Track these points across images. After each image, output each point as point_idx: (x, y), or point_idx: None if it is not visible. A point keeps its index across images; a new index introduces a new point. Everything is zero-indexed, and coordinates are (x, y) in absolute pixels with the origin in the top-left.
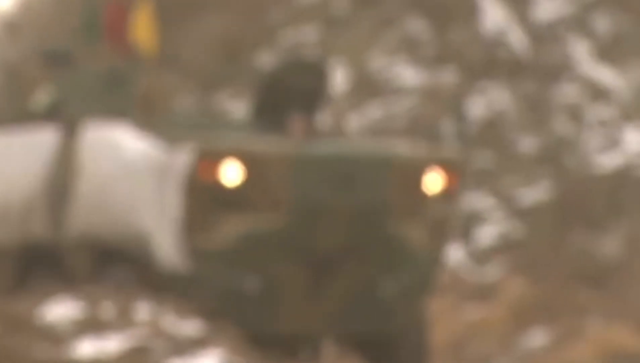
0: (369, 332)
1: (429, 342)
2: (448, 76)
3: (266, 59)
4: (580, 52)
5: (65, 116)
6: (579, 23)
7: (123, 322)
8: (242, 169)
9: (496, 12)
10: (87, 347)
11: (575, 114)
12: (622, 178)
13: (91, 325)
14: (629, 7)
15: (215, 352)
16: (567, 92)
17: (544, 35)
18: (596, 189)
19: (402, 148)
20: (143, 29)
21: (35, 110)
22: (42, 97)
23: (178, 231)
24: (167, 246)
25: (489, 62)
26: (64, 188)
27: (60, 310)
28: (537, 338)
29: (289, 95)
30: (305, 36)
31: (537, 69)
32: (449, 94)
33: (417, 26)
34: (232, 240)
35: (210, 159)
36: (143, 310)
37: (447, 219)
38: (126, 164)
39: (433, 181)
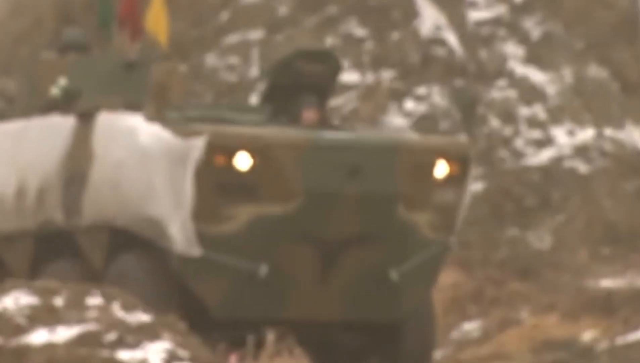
0: (378, 318)
1: (436, 326)
2: (386, 76)
3: (211, 60)
4: (513, 53)
5: (81, 103)
6: (511, 26)
7: (74, 312)
8: (252, 157)
9: (433, 15)
10: (39, 336)
11: (507, 112)
12: (551, 174)
13: (44, 315)
14: (558, 11)
15: (162, 341)
16: (500, 91)
17: (478, 38)
18: (527, 184)
19: (411, 136)
20: (155, 18)
21: (51, 97)
22: (58, 84)
23: (190, 217)
24: (179, 230)
25: (425, 62)
26: (79, 174)
27: (13, 301)
28: (470, 328)
29: (300, 83)
30: (250, 37)
31: (471, 70)
32: (387, 92)
33: (357, 28)
34: (243, 226)
35: (222, 147)
36: (93, 302)
37: (455, 206)
38: (140, 150)
39: (441, 169)
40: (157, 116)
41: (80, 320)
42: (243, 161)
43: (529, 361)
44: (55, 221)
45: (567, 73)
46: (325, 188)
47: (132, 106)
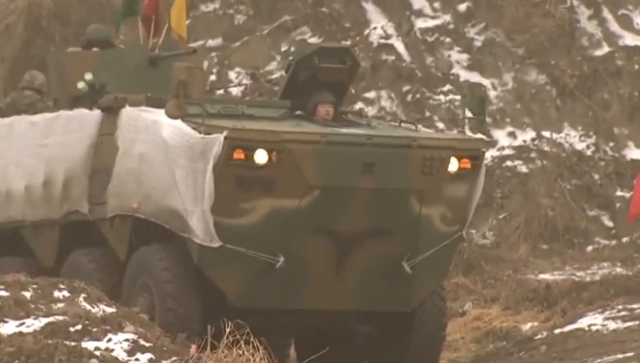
0: (390, 308)
1: (446, 321)
2: None
3: None
4: (457, 60)
5: (106, 98)
6: (455, 34)
7: (42, 305)
8: (269, 153)
9: (382, 23)
10: (8, 327)
11: (452, 115)
12: (493, 174)
13: (13, 308)
14: (500, 20)
15: (125, 332)
16: (445, 95)
17: (424, 45)
18: None
19: (424, 133)
20: (178, 16)
21: (78, 91)
22: (84, 79)
23: (209, 210)
24: (199, 222)
25: (375, 68)
26: (104, 167)
27: None
28: None
29: (318, 80)
30: (208, 44)
31: (418, 75)
32: None
33: (310, 36)
34: (260, 219)
35: (240, 143)
36: (60, 295)
37: (467, 200)
38: (162, 145)
39: (454, 165)
40: (178, 112)
41: (48, 312)
42: (260, 156)
43: (472, 350)
44: (81, 212)
45: (508, 78)
46: (339, 183)
47: (155, 100)
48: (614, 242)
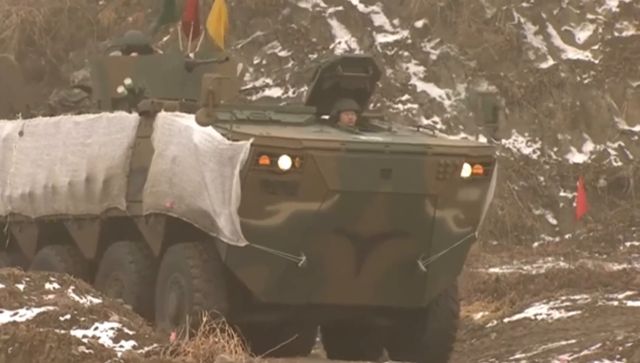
0: (406, 303)
1: (458, 315)
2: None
3: None
4: (414, 72)
5: (143, 103)
6: (413, 48)
7: (34, 296)
8: (293, 159)
9: (345, 38)
10: (3, 316)
11: (410, 123)
12: None
13: (7, 299)
14: (453, 35)
15: (111, 321)
16: (404, 105)
17: (384, 58)
18: None
19: (439, 139)
20: (216, 23)
21: (119, 95)
22: (124, 84)
23: (236, 211)
24: (226, 223)
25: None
26: (140, 167)
27: None
28: None
29: (341, 88)
30: None
31: (379, 86)
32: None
33: (280, 50)
34: (284, 220)
35: (265, 150)
36: (51, 287)
37: (480, 203)
38: (194, 149)
39: (466, 170)
40: (207, 119)
41: (40, 303)
42: (284, 162)
43: None
44: (119, 208)
45: (461, 89)
46: (358, 188)
47: (189, 106)
48: (557, 239)
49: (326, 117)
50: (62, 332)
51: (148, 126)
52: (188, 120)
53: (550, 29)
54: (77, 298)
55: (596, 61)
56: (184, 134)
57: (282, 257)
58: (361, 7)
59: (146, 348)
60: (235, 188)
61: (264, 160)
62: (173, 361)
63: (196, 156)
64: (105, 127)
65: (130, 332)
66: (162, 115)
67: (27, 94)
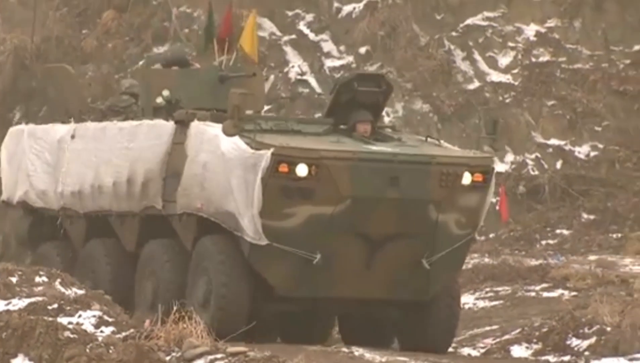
0: (412, 297)
1: (459, 306)
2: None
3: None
4: None
5: (179, 112)
6: (357, 71)
7: (25, 288)
8: (309, 167)
9: (298, 62)
10: None
11: None
12: None
13: (1, 290)
14: (392, 59)
15: (93, 310)
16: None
17: (332, 80)
18: None
19: (443, 149)
20: (249, 38)
21: (158, 105)
22: (162, 95)
23: (257, 213)
24: (249, 223)
25: (293, 99)
26: (175, 171)
27: None
28: None
29: (357, 101)
30: None
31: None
32: None
33: None
34: (301, 222)
35: (285, 159)
36: (41, 280)
37: (479, 207)
38: (221, 156)
39: (467, 178)
40: (233, 130)
41: (30, 294)
42: (301, 170)
43: None
44: (156, 207)
45: (399, 107)
46: (369, 193)
47: (219, 116)
48: (483, 238)
49: (344, 127)
50: (50, 319)
51: (182, 133)
52: (217, 129)
53: (477, 55)
54: (63, 289)
55: (516, 83)
56: (213, 142)
57: (299, 255)
58: (312, 36)
59: (124, 333)
60: (257, 193)
61: (283, 168)
62: (147, 344)
63: (224, 162)
64: (146, 133)
65: (110, 319)
66: (195, 124)
67: (80, 100)
